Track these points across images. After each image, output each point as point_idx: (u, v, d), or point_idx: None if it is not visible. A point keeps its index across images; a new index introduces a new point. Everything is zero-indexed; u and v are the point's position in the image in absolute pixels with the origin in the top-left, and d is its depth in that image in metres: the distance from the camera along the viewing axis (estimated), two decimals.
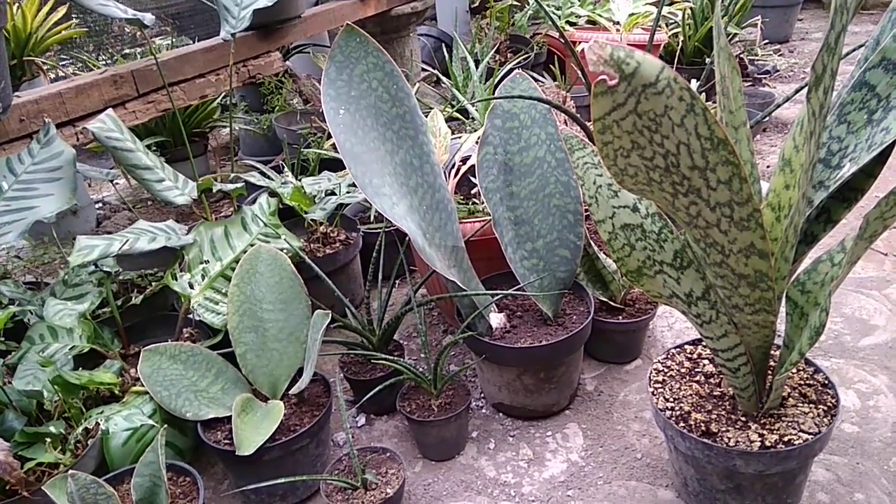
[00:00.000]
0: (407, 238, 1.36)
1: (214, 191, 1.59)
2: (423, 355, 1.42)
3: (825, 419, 1.13)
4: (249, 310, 1.39)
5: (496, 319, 1.48)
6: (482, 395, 1.60)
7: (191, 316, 1.49)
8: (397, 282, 2.00)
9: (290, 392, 1.35)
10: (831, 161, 1.11)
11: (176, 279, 1.46)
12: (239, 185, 1.63)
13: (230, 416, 1.25)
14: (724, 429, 1.13)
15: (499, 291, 1.46)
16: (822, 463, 1.31)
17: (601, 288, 1.63)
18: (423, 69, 3.43)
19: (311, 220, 1.75)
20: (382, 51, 1.38)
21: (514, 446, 1.46)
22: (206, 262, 1.51)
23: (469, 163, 1.56)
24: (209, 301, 1.45)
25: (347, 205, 1.99)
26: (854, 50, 1.33)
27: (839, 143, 1.10)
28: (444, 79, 2.63)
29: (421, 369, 1.42)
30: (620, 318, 1.60)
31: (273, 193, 1.77)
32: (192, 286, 1.47)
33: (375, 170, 1.36)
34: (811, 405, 1.16)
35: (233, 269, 1.46)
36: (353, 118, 1.36)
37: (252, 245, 1.51)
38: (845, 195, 1.11)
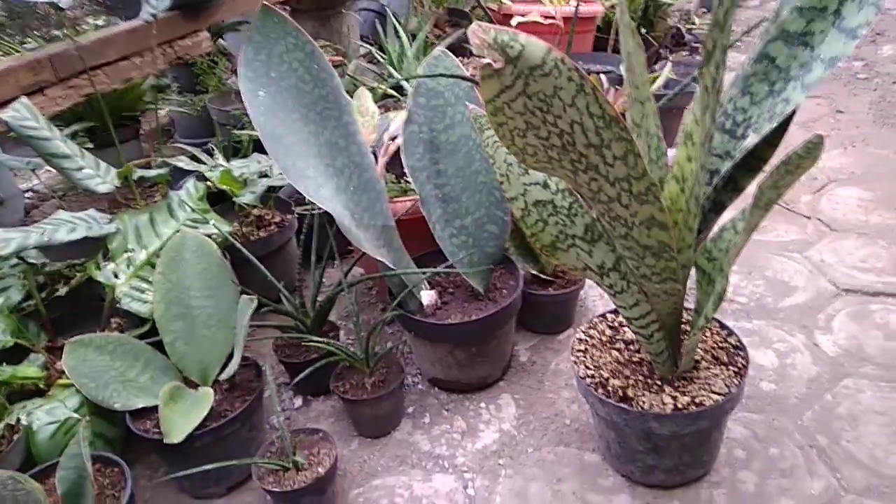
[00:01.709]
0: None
1: (136, 178, 1.56)
2: (357, 337, 1.43)
3: (735, 380, 1.18)
4: (176, 297, 1.38)
5: (427, 297, 1.50)
6: (418, 371, 1.62)
7: (119, 305, 1.47)
8: (336, 263, 2.00)
9: (220, 378, 1.35)
10: (736, 131, 1.15)
11: (100, 269, 1.44)
12: (162, 171, 1.61)
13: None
14: (640, 393, 1.18)
15: (428, 269, 1.48)
16: (740, 420, 1.37)
17: (531, 261, 1.66)
18: (363, 45, 3.39)
19: (244, 203, 1.74)
20: (302, 31, 1.37)
21: (448, 419, 1.49)
22: (132, 250, 1.48)
23: (398, 141, 1.56)
24: (135, 290, 1.44)
25: (280, 187, 1.97)
26: (759, 24, 1.37)
27: (743, 114, 1.14)
28: (379, 55, 2.60)
29: (353, 349, 1.43)
30: (551, 289, 1.64)
31: (202, 177, 1.74)
32: (116, 275, 1.45)
33: (298, 152, 1.36)
34: (723, 367, 1.21)
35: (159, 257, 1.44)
36: (274, 100, 1.35)
37: (178, 231, 1.49)
38: (750, 164, 1.15)
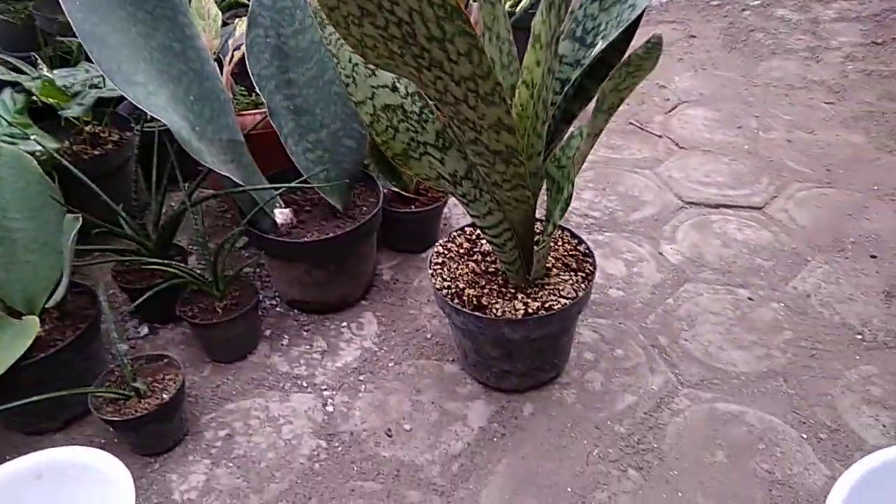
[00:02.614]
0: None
1: None
2: (204, 258, 1.35)
3: (583, 285, 1.22)
4: None
5: (281, 215, 1.43)
6: (276, 293, 1.56)
7: None
8: (185, 186, 1.87)
9: (48, 306, 1.23)
10: (586, 39, 1.14)
11: None
12: None
13: None
14: (493, 301, 1.19)
15: (279, 185, 1.40)
16: (590, 325, 1.44)
17: (393, 178, 1.62)
18: None
19: (70, 117, 1.56)
20: None
21: (308, 340, 1.45)
22: None
23: (244, 49, 1.44)
24: None
25: (117, 103, 1.80)
26: None
27: (593, 21, 1.14)
28: None
29: (201, 272, 1.35)
30: (413, 207, 1.61)
31: (22, 90, 1.55)
32: None
33: (126, 55, 1.22)
34: (572, 273, 1.25)
35: None
36: None
37: None
38: (599, 72, 1.15)
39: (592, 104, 1.17)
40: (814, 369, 1.32)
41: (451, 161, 1.07)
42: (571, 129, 1.17)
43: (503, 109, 0.90)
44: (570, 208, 1.36)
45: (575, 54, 1.15)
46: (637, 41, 1.00)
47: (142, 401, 1.15)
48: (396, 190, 1.61)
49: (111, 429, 1.21)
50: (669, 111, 2.27)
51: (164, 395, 1.15)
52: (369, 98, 1.03)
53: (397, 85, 1.02)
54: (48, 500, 0.98)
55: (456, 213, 1.84)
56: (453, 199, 1.86)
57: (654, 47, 0.90)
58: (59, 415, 1.25)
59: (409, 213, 1.61)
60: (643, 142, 2.11)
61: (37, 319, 1.18)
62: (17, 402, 1.06)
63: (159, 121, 1.44)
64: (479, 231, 1.38)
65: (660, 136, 2.13)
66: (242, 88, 1.69)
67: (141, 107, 1.20)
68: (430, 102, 1.03)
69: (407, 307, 1.53)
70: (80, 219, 1.18)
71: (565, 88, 1.15)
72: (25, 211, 1.26)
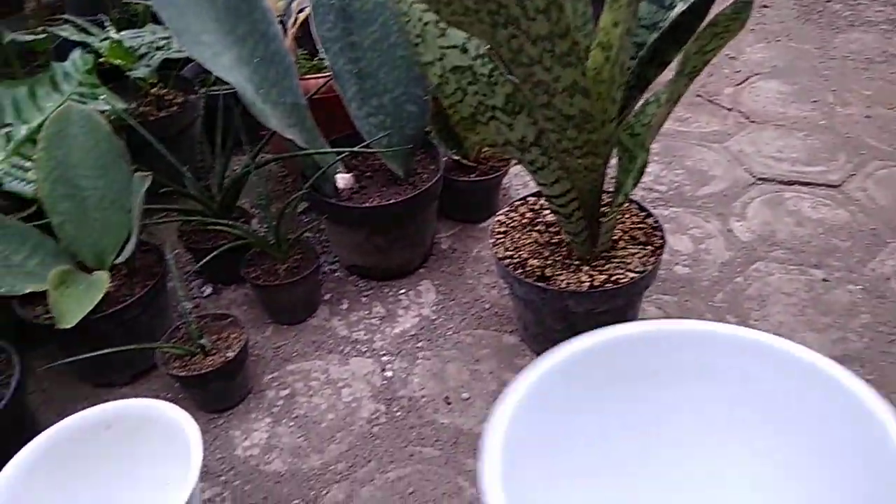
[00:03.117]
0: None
1: (5, 42, 1.38)
2: (267, 220, 1.35)
3: (651, 258, 1.18)
4: (63, 176, 1.25)
5: (343, 181, 1.42)
6: (336, 258, 1.57)
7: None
8: (247, 149, 1.88)
9: (117, 262, 1.26)
10: (664, 1, 1.09)
11: None
12: (40, 36, 1.43)
13: None
14: (558, 273, 1.17)
15: (343, 149, 1.40)
16: (654, 302, 1.40)
17: (454, 146, 1.60)
18: None
19: (137, 79, 1.58)
20: None
21: (367, 306, 1.45)
22: (10, 125, 1.33)
23: (307, 11, 1.43)
24: (17, 168, 1.30)
25: (182, 65, 1.81)
26: None
27: None
28: None
29: (265, 234, 1.36)
30: (473, 175, 1.59)
31: (90, 50, 1.57)
32: None
33: (193, 14, 1.22)
34: (640, 246, 1.21)
35: None
36: None
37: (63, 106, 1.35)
38: (678, 37, 1.10)
39: (666, 71, 1.13)
40: (893, 355, 1.25)
41: (520, 126, 1.04)
42: (646, 95, 1.13)
43: (579, 71, 0.87)
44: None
45: (652, 16, 1.10)
46: (716, 8, 0.94)
47: (207, 358, 1.17)
48: (457, 158, 1.59)
49: (177, 384, 1.24)
50: (740, 83, 2.17)
51: (229, 353, 1.17)
52: (438, 59, 1.01)
53: (467, 46, 0.99)
54: (117, 449, 1.01)
55: (515, 183, 1.80)
56: (513, 169, 1.83)
57: (744, 7, 0.85)
58: (126, 369, 1.28)
59: (469, 182, 1.58)
60: (712, 115, 2.02)
61: (107, 274, 1.20)
62: (89, 354, 1.09)
63: (223, 84, 1.45)
64: (542, 201, 1.35)
65: (729, 109, 2.05)
66: (304, 52, 1.69)
67: (207, 67, 1.20)
68: (501, 64, 1.00)
69: (465, 277, 1.52)
70: (150, 177, 1.20)
71: (640, 53, 1.11)
72: (95, 169, 1.29)
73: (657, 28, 1.09)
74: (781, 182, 1.72)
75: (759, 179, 1.73)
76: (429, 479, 1.12)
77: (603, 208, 1.18)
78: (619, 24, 0.96)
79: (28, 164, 1.32)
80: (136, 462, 1.02)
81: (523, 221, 1.30)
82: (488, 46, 0.99)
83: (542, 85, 0.90)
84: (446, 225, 1.67)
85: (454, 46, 0.98)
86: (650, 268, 1.15)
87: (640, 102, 1.13)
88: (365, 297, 1.48)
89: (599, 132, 0.97)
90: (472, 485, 1.10)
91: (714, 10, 1.00)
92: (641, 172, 0.99)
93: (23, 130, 1.34)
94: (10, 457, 0.93)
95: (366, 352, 1.35)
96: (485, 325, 1.39)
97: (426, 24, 0.99)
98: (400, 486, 1.11)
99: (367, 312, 1.44)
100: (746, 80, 2.19)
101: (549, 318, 1.20)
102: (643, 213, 1.28)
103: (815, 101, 2.04)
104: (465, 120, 1.06)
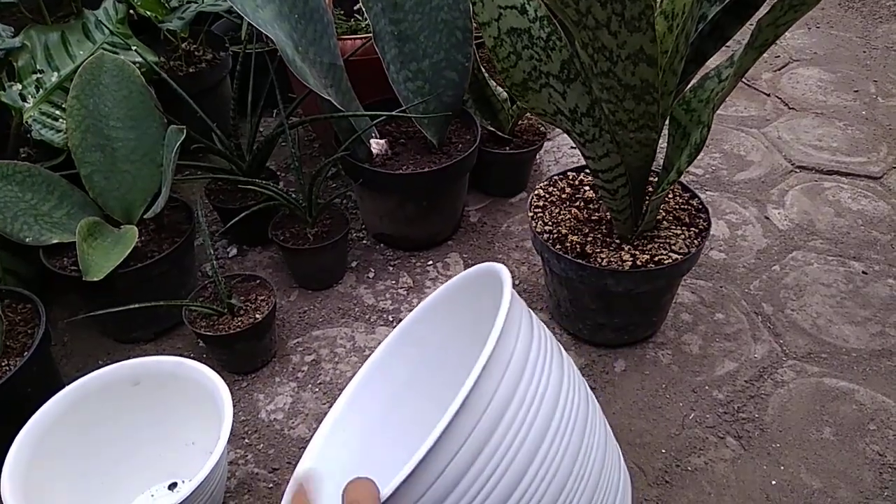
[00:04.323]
0: (278, 56, 1.21)
1: None
2: (298, 182, 1.32)
3: (696, 241, 1.14)
4: (93, 126, 1.22)
5: (376, 146, 1.39)
6: (363, 226, 1.53)
7: (28, 134, 1.30)
8: (274, 111, 1.85)
9: (146, 217, 1.23)
10: None
11: (4, 89, 1.26)
12: None
13: None
14: (598, 250, 1.13)
15: (380, 113, 1.36)
16: (689, 287, 1.36)
17: (490, 117, 1.56)
18: None
19: (169, 31, 1.54)
20: None
21: (394, 275, 1.43)
22: (41, 71, 1.30)
23: None
24: (46, 116, 1.27)
25: (213, 21, 1.77)
26: None
27: None
28: None
29: (294, 197, 1.33)
30: (507, 148, 1.55)
31: None
32: (24, 98, 1.27)
33: None
34: (684, 228, 1.17)
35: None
36: None
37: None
38: (740, 11, 1.05)
39: (726, 44, 1.09)
40: None
41: (574, 95, 0.99)
42: (704, 70, 1.08)
43: (648, 38, 0.83)
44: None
45: None
46: None
47: (235, 318, 1.14)
48: (492, 129, 1.55)
49: (201, 343, 1.22)
50: (779, 69, 2.12)
51: (257, 315, 1.14)
52: (495, 19, 0.97)
53: (527, 7, 0.95)
54: (145, 406, 0.99)
55: (547, 159, 1.77)
56: (546, 144, 1.79)
57: None
58: (151, 326, 1.26)
59: (503, 155, 1.54)
60: (750, 99, 1.98)
61: (135, 229, 1.17)
62: (116, 309, 1.07)
63: (258, 42, 1.41)
64: (581, 176, 1.31)
65: (768, 95, 2.00)
66: (341, 12, 1.64)
67: (248, 20, 1.16)
68: (561, 28, 0.96)
69: (494, 251, 1.49)
70: (185, 131, 1.16)
71: (700, 26, 1.06)
72: (127, 120, 1.25)
73: (720, 1, 1.04)
74: (821, 171, 1.68)
75: (798, 167, 1.69)
76: None
77: (648, 187, 1.15)
78: None
79: (58, 112, 1.28)
80: (162, 419, 1.00)
81: (562, 196, 1.27)
82: (548, 8, 0.95)
83: (605, 51, 0.86)
84: (476, 198, 1.63)
85: (513, 7, 0.94)
86: (694, 250, 1.12)
87: (698, 77, 1.09)
88: (392, 266, 1.45)
89: (659, 104, 0.93)
90: None
91: None
92: (699, 149, 0.96)
93: (53, 77, 1.31)
94: (36, 408, 0.91)
95: (392, 321, 1.32)
96: None
97: None
98: None
99: (394, 282, 1.41)
100: (786, 65, 2.14)
101: (586, 296, 1.16)
102: (687, 195, 1.24)
103: (856, 91, 1.99)
104: (516, 86, 1.02)
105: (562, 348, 0.70)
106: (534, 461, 0.57)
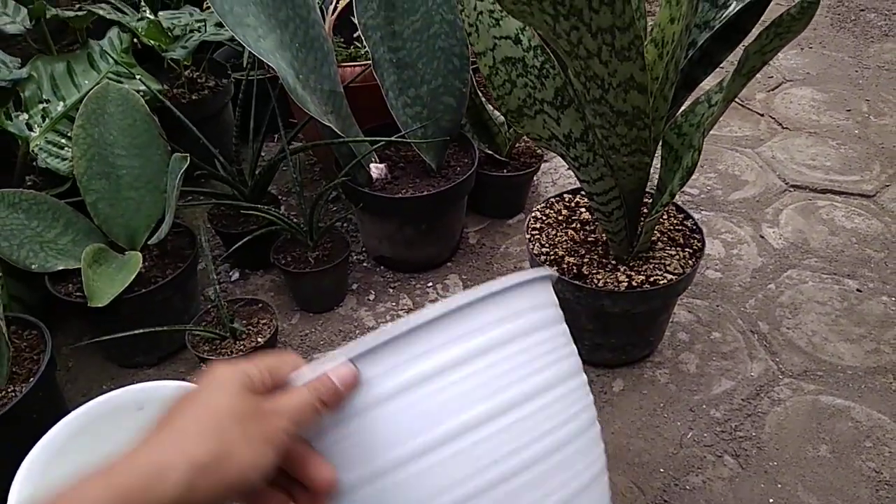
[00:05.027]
0: (280, 83, 1.24)
1: (49, 16, 1.37)
2: (300, 207, 1.34)
3: (690, 261, 1.16)
4: (99, 154, 1.25)
5: (376, 170, 1.41)
6: (363, 249, 1.55)
7: (34, 163, 1.33)
8: (275, 136, 1.88)
9: (150, 243, 1.25)
10: (718, 0, 1.07)
11: (11, 119, 1.28)
12: (80, 13, 1.42)
13: None
14: (594, 271, 1.15)
15: (379, 138, 1.38)
16: (685, 306, 1.38)
17: (487, 140, 1.59)
18: None
19: (173, 60, 1.57)
20: None
21: (394, 297, 1.44)
22: (47, 101, 1.32)
23: None
24: (52, 145, 1.29)
25: (215, 49, 1.81)
26: None
27: None
28: None
29: (296, 221, 1.35)
30: (505, 171, 1.58)
31: (126, 29, 1.56)
32: (31, 128, 1.30)
33: None
34: (678, 248, 1.19)
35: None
36: None
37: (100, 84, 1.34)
38: (729, 36, 1.08)
39: (715, 70, 1.11)
40: None
41: (568, 121, 1.02)
42: (694, 95, 1.11)
43: (638, 66, 0.85)
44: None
45: (704, 15, 1.08)
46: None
47: (237, 342, 1.16)
48: (489, 152, 1.57)
49: (204, 367, 1.23)
50: (773, 89, 2.15)
51: (259, 339, 1.16)
52: (490, 49, 0.99)
53: (521, 37, 0.98)
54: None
55: (544, 180, 1.79)
56: (543, 166, 1.81)
57: (810, 7, 0.83)
58: (154, 350, 1.27)
59: (500, 177, 1.57)
60: (744, 119, 2.00)
61: (139, 255, 1.20)
62: (121, 335, 1.08)
63: (259, 69, 1.44)
64: (577, 198, 1.34)
65: (762, 115, 2.02)
66: (340, 40, 1.67)
67: (251, 50, 1.19)
68: (554, 57, 0.98)
69: (493, 272, 1.50)
70: (188, 158, 1.19)
71: (690, 52, 1.09)
72: (131, 148, 1.28)
73: (709, 27, 1.07)
74: (814, 190, 1.70)
75: (792, 186, 1.71)
76: None
77: (643, 208, 1.17)
78: (676, 21, 0.95)
79: (64, 140, 1.31)
80: None
81: (559, 218, 1.29)
82: (541, 38, 0.98)
83: (597, 79, 0.88)
84: (474, 219, 1.66)
85: (507, 37, 0.97)
86: (689, 270, 1.14)
87: (688, 102, 1.11)
88: (392, 288, 1.47)
89: (651, 129, 0.95)
90: None
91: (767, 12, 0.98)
92: (690, 173, 0.98)
93: (59, 107, 1.34)
94: (41, 434, 0.92)
95: None
96: None
97: (480, 13, 0.98)
98: None
99: (394, 304, 1.43)
100: (779, 86, 2.17)
101: (583, 316, 1.18)
102: (682, 215, 1.26)
103: (848, 110, 2.02)
104: (511, 112, 1.05)
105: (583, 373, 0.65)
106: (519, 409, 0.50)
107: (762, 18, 1.05)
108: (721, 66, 1.10)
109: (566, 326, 0.61)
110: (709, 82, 1.16)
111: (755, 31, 1.05)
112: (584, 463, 0.54)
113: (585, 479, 0.54)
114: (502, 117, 1.55)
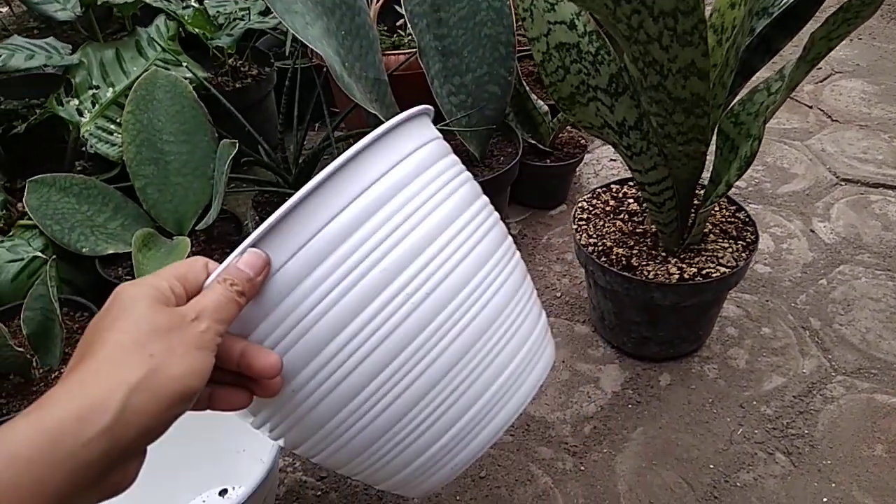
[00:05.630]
0: (324, 72, 1.24)
1: (99, 2, 1.39)
2: None
3: (743, 254, 1.14)
4: (148, 140, 1.26)
5: None
6: None
7: (84, 148, 1.35)
8: (317, 125, 1.88)
9: (197, 229, 1.26)
10: None
11: (62, 105, 1.30)
12: (130, 0, 1.43)
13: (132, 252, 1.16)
14: (644, 263, 1.13)
15: None
16: (734, 300, 1.35)
17: (531, 130, 1.57)
18: None
19: (217, 48, 1.58)
20: None
21: None
22: (97, 87, 1.34)
23: None
24: (102, 130, 1.31)
25: (258, 37, 1.81)
26: None
27: None
28: None
29: None
30: (548, 161, 1.56)
31: (172, 17, 1.57)
32: (81, 113, 1.31)
33: None
34: (731, 241, 1.16)
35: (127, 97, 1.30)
36: None
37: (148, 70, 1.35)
38: (788, 23, 1.05)
39: (774, 57, 1.08)
40: None
41: (622, 109, 1.00)
42: (750, 83, 1.08)
43: (700, 51, 0.83)
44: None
45: (762, 2, 1.06)
46: None
47: None
48: (532, 142, 1.56)
49: None
50: (821, 81, 2.10)
51: None
52: (544, 35, 0.98)
53: (576, 22, 0.96)
54: (196, 414, 1.00)
55: (586, 171, 1.77)
56: (586, 157, 1.79)
57: None
58: None
59: (543, 168, 1.55)
60: (792, 111, 1.96)
61: (188, 240, 1.20)
62: None
63: (304, 57, 1.44)
64: (625, 189, 1.31)
65: (810, 107, 1.97)
66: (384, 28, 1.67)
67: (298, 36, 1.19)
68: (609, 42, 0.96)
69: (535, 263, 1.49)
70: (237, 144, 1.19)
71: (748, 39, 1.06)
72: (179, 135, 1.29)
73: (767, 14, 1.04)
74: (866, 184, 1.65)
75: (843, 180, 1.67)
76: (501, 465, 1.10)
77: (696, 201, 1.14)
78: (737, 6, 0.92)
79: (112, 126, 1.32)
80: (213, 427, 1.01)
81: (606, 209, 1.27)
82: (597, 23, 0.96)
83: (656, 65, 0.86)
84: (515, 210, 1.64)
85: (562, 22, 0.95)
86: (742, 263, 1.11)
87: (745, 90, 1.09)
88: None
89: (709, 116, 0.93)
90: (545, 472, 1.08)
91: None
92: (749, 163, 0.95)
93: (109, 93, 1.35)
94: None
95: None
96: (556, 314, 1.36)
97: None
98: (472, 470, 1.09)
99: None
100: (828, 77, 2.11)
101: (631, 309, 1.16)
102: (733, 207, 1.24)
103: None
104: (563, 100, 1.03)
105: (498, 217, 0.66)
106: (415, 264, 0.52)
107: (822, 6, 1.02)
108: (776, 55, 1.07)
109: (455, 156, 0.64)
110: (762, 73, 1.13)
111: (816, 21, 1.02)
112: (506, 273, 0.61)
113: (510, 286, 0.61)
114: (546, 107, 1.54)
